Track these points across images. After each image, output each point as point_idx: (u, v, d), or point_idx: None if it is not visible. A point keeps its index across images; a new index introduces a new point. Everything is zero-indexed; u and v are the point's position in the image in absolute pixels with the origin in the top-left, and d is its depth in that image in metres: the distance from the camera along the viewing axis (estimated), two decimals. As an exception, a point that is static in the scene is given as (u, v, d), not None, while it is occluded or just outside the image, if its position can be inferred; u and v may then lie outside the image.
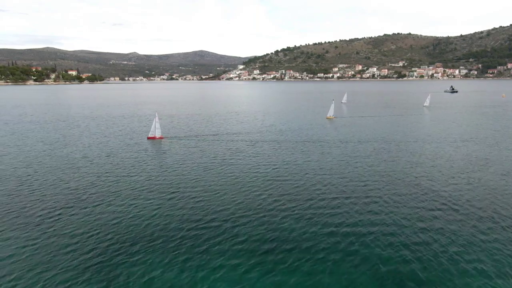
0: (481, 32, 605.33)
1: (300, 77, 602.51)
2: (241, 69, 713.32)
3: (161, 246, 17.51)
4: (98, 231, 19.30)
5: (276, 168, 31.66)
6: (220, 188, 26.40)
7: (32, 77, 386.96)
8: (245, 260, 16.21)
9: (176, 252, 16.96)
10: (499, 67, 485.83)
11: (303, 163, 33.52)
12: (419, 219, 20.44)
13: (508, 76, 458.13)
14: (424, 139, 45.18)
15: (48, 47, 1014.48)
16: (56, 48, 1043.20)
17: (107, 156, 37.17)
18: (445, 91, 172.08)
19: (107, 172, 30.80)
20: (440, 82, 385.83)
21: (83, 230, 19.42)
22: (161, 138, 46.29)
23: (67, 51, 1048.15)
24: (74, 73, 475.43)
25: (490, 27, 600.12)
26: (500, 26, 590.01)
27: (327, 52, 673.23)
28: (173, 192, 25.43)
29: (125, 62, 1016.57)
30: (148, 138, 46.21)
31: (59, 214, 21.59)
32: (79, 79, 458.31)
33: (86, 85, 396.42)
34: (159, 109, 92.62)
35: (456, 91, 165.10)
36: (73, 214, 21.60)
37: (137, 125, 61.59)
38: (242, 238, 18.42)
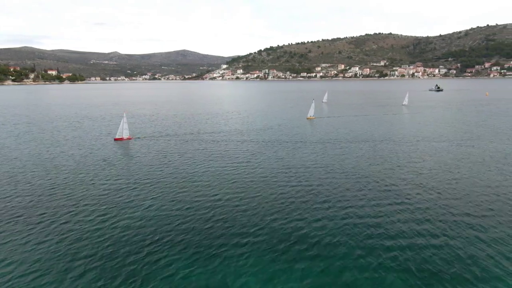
0: (459, 32, 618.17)
1: (283, 76, 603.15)
2: (224, 69, 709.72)
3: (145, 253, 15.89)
4: (72, 240, 17.51)
5: (252, 169, 30.26)
6: (192, 189, 24.89)
7: (11, 77, 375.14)
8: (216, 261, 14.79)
9: (165, 256, 15.43)
10: (477, 66, 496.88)
11: (282, 163, 32.23)
12: (404, 218, 19.39)
13: (486, 75, 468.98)
14: (401, 139, 44.64)
15: (25, 47, 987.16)
16: (34, 48, 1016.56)
17: (67, 159, 35.07)
18: (430, 90, 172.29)
19: (67, 176, 28.81)
20: (420, 81, 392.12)
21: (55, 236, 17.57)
22: (129, 139, 44.31)
23: (45, 50, 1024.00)
24: (54, 73, 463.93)
25: (468, 27, 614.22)
26: (478, 27, 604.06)
27: (310, 51, 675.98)
28: (141, 194, 23.73)
29: (106, 62, 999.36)
30: (115, 139, 44.09)
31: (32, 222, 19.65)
32: (59, 79, 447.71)
33: (67, 85, 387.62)
34: (139, 109, 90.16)
35: (441, 90, 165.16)
36: (40, 221, 19.69)
37: (106, 126, 59.22)
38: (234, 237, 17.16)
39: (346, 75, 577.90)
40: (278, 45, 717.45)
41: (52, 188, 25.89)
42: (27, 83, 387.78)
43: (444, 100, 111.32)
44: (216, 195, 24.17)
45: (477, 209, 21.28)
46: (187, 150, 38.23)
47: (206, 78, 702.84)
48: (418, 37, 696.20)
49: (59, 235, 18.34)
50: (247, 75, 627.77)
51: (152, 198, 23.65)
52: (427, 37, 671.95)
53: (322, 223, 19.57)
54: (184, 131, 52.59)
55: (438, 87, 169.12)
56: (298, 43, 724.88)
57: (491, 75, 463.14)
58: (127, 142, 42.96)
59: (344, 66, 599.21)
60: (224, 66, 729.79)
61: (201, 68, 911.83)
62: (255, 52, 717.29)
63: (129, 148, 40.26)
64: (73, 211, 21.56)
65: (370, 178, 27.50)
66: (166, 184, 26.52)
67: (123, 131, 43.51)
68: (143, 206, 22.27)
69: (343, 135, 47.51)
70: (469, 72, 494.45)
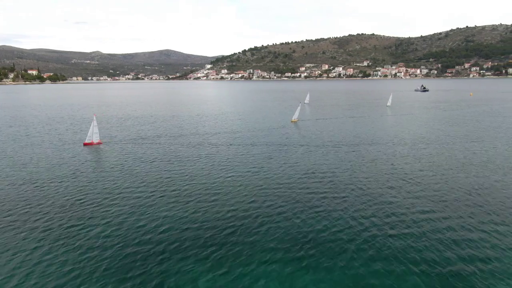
0: (440, 33, 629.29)
1: (268, 76, 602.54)
2: (208, 69, 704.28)
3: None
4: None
5: (229, 174, 28.50)
6: (164, 194, 23.07)
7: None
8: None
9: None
10: (457, 66, 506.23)
11: (263, 168, 30.57)
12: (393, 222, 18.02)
13: (465, 75, 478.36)
14: (387, 141, 43.58)
15: (4, 45, 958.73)
16: (13, 47, 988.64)
17: (30, 164, 32.57)
18: (415, 90, 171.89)
19: (27, 183, 26.43)
20: (404, 81, 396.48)
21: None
22: (99, 143, 41.88)
23: (25, 49, 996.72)
24: (34, 72, 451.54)
25: (448, 29, 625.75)
26: (457, 28, 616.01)
27: (294, 51, 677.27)
28: (110, 202, 21.65)
29: (88, 61, 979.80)
30: (85, 144, 41.50)
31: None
32: (40, 78, 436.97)
33: (48, 85, 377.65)
34: (117, 111, 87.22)
35: (427, 90, 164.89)
36: None
37: (77, 128, 56.45)
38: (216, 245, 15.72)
39: (330, 75, 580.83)
40: (262, 45, 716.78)
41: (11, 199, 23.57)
42: (7, 83, 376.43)
43: (431, 101, 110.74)
44: (209, 199, 22.48)
45: (495, 210, 21.27)
46: (163, 155, 36.14)
47: (190, 78, 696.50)
48: (400, 38, 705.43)
49: (23, 247, 16.21)
50: (231, 75, 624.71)
51: (128, 207, 21.67)
52: (409, 38, 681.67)
53: (331, 226, 18.66)
54: (160, 134, 50.38)
55: (424, 88, 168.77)
56: (282, 43, 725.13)
57: (471, 75, 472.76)
58: (97, 147, 40.55)
59: (328, 66, 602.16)
60: (209, 66, 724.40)
61: (184, 68, 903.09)
62: (239, 52, 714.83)
63: (100, 153, 37.95)
64: (40, 220, 19.41)
65: (372, 182, 26.22)
66: (143, 191, 24.54)
67: (93, 135, 41.07)
68: (122, 216, 20.28)
69: (329, 138, 45.95)
70: (449, 73, 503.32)
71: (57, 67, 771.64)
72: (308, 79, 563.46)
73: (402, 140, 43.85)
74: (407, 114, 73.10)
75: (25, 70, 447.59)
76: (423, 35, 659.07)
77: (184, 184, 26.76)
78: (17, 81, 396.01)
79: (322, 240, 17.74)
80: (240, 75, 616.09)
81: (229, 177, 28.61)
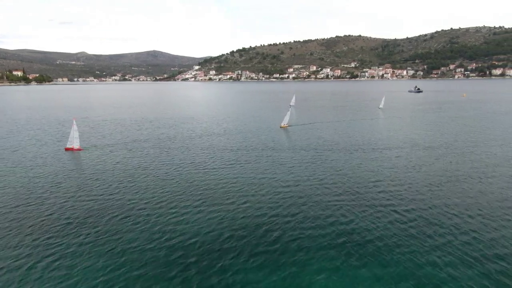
0: (425, 35, 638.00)
1: (256, 77, 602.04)
2: (196, 70, 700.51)
3: None
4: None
5: (217, 180, 27.05)
6: (153, 203, 21.56)
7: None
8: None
9: None
10: (442, 68, 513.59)
11: (252, 173, 29.20)
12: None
13: (451, 77, 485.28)
14: (382, 146, 42.62)
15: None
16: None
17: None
18: (409, 91, 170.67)
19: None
20: (392, 82, 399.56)
21: None
22: (79, 149, 39.76)
23: (8, 50, 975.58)
24: (20, 73, 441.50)
25: (433, 30, 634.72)
26: (442, 30, 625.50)
27: (282, 53, 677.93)
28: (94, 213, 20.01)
29: (73, 62, 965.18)
30: (66, 149, 39.55)
31: None
32: (25, 80, 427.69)
33: (34, 86, 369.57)
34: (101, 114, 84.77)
35: (421, 91, 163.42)
36: None
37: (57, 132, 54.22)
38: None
39: (318, 76, 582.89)
40: (250, 46, 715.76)
41: None
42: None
43: (427, 102, 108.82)
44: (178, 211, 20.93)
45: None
46: (139, 159, 34.50)
47: (178, 79, 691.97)
48: (386, 39, 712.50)
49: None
50: (220, 76, 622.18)
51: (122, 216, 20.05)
52: (395, 40, 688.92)
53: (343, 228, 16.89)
54: (139, 138, 48.62)
55: (418, 89, 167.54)
56: (270, 44, 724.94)
57: (456, 77, 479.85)
58: (78, 153, 38.50)
59: (316, 68, 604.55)
60: (197, 67, 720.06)
61: (172, 69, 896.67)
62: (227, 53, 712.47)
63: (82, 159, 36.01)
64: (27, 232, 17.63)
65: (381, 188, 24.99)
66: (132, 199, 22.93)
67: (74, 140, 39.08)
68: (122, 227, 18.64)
69: (325, 144, 44.16)
70: (435, 74, 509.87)
71: (41, 68, 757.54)
72: (296, 80, 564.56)
73: (414, 145, 42.37)
74: (413, 117, 70.22)
75: (10, 71, 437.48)
76: (408, 37, 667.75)
77: (175, 191, 25.31)
78: (2, 82, 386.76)
79: (370, 238, 18.33)
80: (228, 76, 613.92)
81: (213, 181, 27.19)
